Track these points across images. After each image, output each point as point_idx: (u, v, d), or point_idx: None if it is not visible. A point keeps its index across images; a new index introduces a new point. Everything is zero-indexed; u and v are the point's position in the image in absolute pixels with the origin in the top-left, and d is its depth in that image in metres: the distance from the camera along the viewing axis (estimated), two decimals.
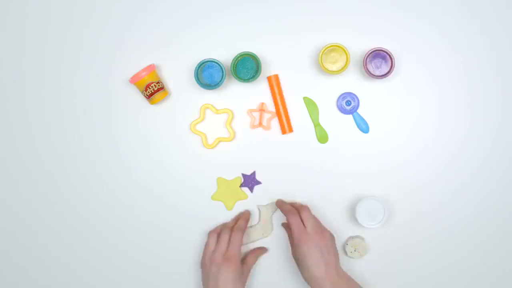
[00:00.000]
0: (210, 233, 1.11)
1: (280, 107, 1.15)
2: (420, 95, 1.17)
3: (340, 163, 1.17)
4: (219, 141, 1.17)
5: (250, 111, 1.16)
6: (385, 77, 1.10)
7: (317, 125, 1.16)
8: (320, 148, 1.17)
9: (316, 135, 1.16)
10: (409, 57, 1.16)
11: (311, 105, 1.16)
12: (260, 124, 1.17)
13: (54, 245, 1.20)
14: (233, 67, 1.11)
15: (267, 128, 1.16)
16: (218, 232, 1.11)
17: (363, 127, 1.16)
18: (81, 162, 1.19)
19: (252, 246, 1.18)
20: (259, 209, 1.16)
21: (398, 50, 1.16)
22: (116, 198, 1.19)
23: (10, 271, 1.19)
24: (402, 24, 1.16)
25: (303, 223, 1.05)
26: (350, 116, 1.17)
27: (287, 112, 1.15)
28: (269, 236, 1.17)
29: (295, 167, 1.17)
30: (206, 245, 1.10)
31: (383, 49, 1.10)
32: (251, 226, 1.16)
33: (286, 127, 1.15)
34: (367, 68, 1.10)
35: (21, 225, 1.19)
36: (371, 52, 1.10)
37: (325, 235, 1.04)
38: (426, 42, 1.16)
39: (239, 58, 1.11)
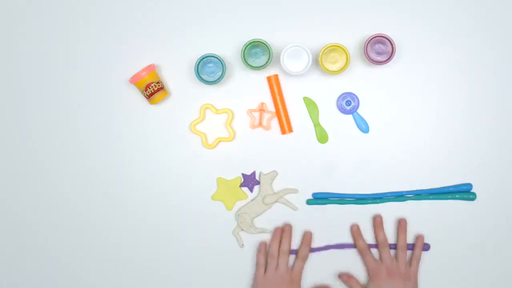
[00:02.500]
0: (258, 255, 1.14)
1: (280, 107, 1.14)
2: (420, 95, 1.17)
3: (340, 163, 1.16)
4: (219, 141, 1.16)
5: (250, 111, 1.16)
6: (387, 62, 1.09)
7: (317, 125, 1.15)
8: (320, 148, 1.16)
9: (316, 135, 1.15)
10: (410, 55, 1.16)
11: (311, 105, 1.15)
12: (260, 124, 1.16)
13: (54, 245, 1.19)
14: (243, 55, 1.10)
15: (267, 128, 1.16)
16: (265, 252, 1.13)
17: (363, 127, 1.16)
18: (80, 162, 1.18)
19: (258, 220, 1.17)
20: (259, 178, 1.15)
21: (398, 50, 1.15)
22: (116, 198, 1.18)
23: (12, 270, 1.19)
24: (402, 23, 1.15)
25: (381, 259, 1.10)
26: (350, 116, 1.16)
27: (287, 112, 1.15)
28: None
29: (295, 167, 1.17)
30: (257, 266, 1.13)
31: (383, 35, 1.09)
32: (252, 200, 1.16)
33: (286, 127, 1.15)
34: (368, 55, 1.09)
35: (21, 226, 1.19)
36: (371, 39, 1.09)
37: (395, 279, 1.07)
38: (427, 40, 1.16)
39: (248, 46, 1.10)
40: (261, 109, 1.16)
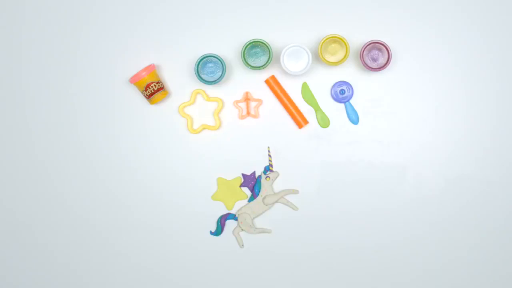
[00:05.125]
0: None
1: (288, 103, 1.14)
2: (416, 91, 1.17)
3: (343, 160, 1.17)
4: (204, 128, 1.15)
5: (236, 102, 1.15)
6: (382, 69, 1.09)
7: (317, 109, 1.14)
8: (322, 148, 1.16)
9: (317, 120, 1.14)
10: (407, 52, 1.16)
11: (307, 92, 1.15)
12: (248, 113, 1.15)
13: (52, 245, 1.19)
14: (243, 55, 1.10)
15: (256, 116, 1.15)
16: None
17: (353, 118, 1.15)
18: (80, 162, 1.18)
19: (258, 220, 1.17)
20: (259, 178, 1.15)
21: (397, 42, 1.15)
22: (116, 198, 1.18)
23: (13, 270, 1.20)
24: (402, 17, 1.15)
25: None
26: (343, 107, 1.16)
27: (296, 106, 1.14)
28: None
29: (295, 167, 1.17)
30: None
31: (380, 42, 1.09)
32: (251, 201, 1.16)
33: (300, 120, 1.14)
34: (364, 61, 1.09)
35: (19, 226, 1.19)
36: (368, 45, 1.09)
37: None
38: (426, 34, 1.15)
39: (247, 46, 1.10)
40: (247, 98, 1.15)
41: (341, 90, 1.13)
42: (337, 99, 1.14)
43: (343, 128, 1.16)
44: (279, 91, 1.14)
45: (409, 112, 1.16)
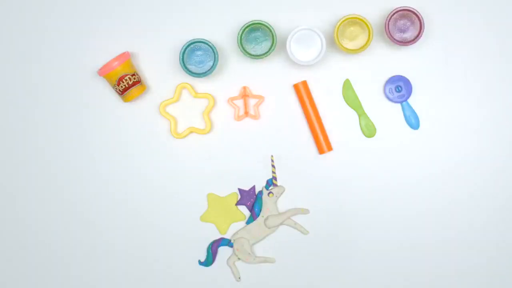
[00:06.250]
0: None
1: (314, 120, 1.10)
2: (461, 85, 1.11)
3: (350, 173, 1.13)
4: (191, 132, 1.12)
5: (232, 100, 1.12)
6: (414, 42, 1.06)
7: (362, 114, 1.11)
8: (335, 158, 1.12)
9: (361, 127, 1.11)
10: (443, 31, 1.11)
11: (349, 90, 1.11)
12: (246, 113, 1.12)
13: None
14: (240, 40, 1.07)
15: (256, 117, 1.12)
16: None
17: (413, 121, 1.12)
18: (39, 176, 1.14)
19: (259, 247, 1.13)
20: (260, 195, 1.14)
21: (428, 25, 1.11)
22: (81, 219, 1.14)
23: (13, 270, 1.16)
24: None
25: None
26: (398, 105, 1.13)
27: (323, 126, 1.11)
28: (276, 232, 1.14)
29: (304, 182, 1.13)
30: None
31: (409, 8, 1.06)
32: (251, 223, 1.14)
33: (323, 144, 1.10)
34: (390, 34, 1.06)
35: None
36: (394, 14, 1.06)
37: None
38: (464, 9, 1.11)
39: (245, 29, 1.07)
40: (245, 95, 1.12)
41: (397, 87, 1.10)
42: (392, 99, 1.12)
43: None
44: (308, 103, 1.10)
45: (450, 108, 1.11)
